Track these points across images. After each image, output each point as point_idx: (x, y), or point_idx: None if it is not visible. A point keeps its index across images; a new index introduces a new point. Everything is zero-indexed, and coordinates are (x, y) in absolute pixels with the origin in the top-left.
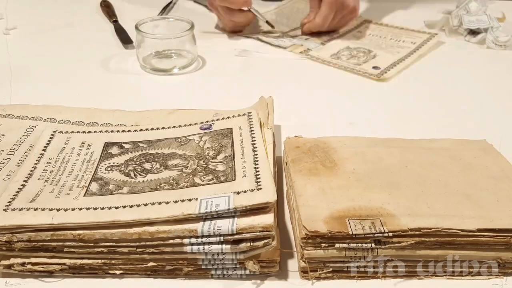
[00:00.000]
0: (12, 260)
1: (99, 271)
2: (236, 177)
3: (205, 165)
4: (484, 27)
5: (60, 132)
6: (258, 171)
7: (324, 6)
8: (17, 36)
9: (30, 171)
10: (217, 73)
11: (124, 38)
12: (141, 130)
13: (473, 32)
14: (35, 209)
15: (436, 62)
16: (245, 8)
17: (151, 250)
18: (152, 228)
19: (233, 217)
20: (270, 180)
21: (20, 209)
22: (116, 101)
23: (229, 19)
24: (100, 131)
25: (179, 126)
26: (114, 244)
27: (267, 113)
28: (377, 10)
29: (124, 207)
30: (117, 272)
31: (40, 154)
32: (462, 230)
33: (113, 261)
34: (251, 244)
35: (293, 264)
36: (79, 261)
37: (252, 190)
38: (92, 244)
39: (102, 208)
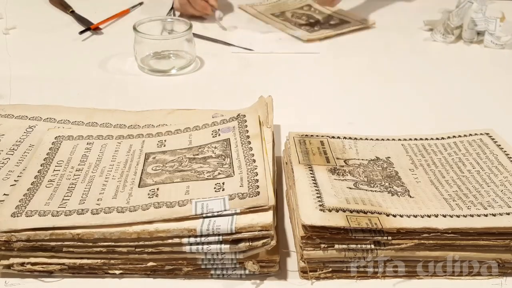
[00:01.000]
0: (12, 260)
1: (99, 271)
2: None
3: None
4: (485, 28)
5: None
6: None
7: None
8: (17, 36)
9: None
10: (215, 73)
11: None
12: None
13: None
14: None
15: (436, 62)
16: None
17: (150, 249)
18: (151, 228)
19: (232, 216)
20: (268, 184)
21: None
22: (114, 102)
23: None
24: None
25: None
26: (113, 243)
27: (266, 112)
28: (377, 9)
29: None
30: (117, 272)
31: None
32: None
33: (112, 261)
34: (250, 243)
35: (293, 264)
36: (78, 261)
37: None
38: (91, 244)
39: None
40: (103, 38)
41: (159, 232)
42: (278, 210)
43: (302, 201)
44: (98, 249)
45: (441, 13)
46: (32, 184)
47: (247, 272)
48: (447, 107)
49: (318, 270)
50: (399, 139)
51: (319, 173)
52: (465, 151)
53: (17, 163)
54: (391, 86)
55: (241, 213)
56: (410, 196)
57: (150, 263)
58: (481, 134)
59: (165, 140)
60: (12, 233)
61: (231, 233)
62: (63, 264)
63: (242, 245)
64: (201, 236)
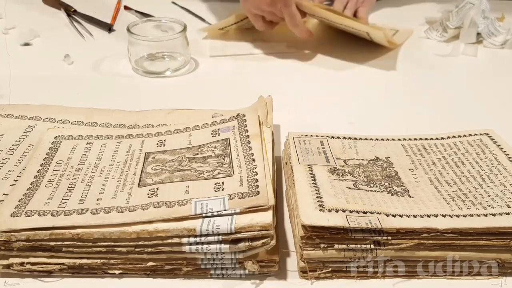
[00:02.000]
0: (11, 260)
1: (98, 271)
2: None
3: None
4: (484, 29)
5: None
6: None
7: None
8: (16, 35)
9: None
10: (211, 74)
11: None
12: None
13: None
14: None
15: (435, 62)
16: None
17: (149, 249)
18: (150, 227)
19: (232, 215)
20: (268, 183)
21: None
22: (111, 104)
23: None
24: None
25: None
26: (112, 243)
27: (266, 112)
28: (376, 7)
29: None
30: (116, 272)
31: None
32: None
33: (112, 261)
34: (250, 243)
35: (293, 264)
36: (78, 261)
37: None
38: (90, 244)
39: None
40: (98, 39)
41: (158, 232)
42: (278, 210)
43: (302, 201)
44: (97, 249)
45: (441, 13)
46: (31, 184)
47: (246, 272)
48: (446, 107)
49: (317, 270)
50: (399, 139)
51: (319, 173)
52: (464, 151)
53: (16, 163)
54: (391, 85)
55: (241, 212)
56: (410, 196)
57: (150, 263)
58: (480, 134)
59: (164, 140)
60: (12, 233)
61: (231, 233)
62: (63, 264)
63: (241, 245)
64: (201, 236)
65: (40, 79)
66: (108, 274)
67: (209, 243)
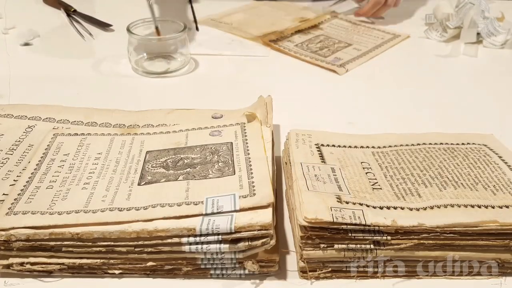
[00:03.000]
0: (11, 260)
1: (98, 271)
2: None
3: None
4: (484, 29)
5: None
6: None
7: None
8: (16, 35)
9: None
10: (211, 74)
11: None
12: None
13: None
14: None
15: (434, 61)
16: None
17: (149, 249)
18: (150, 227)
19: (231, 215)
20: (267, 183)
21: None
22: (111, 104)
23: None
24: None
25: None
26: (112, 243)
27: (265, 112)
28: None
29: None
30: (116, 272)
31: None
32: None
33: (112, 261)
34: (250, 243)
35: (292, 264)
36: (78, 261)
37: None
38: (90, 243)
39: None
40: (98, 39)
41: (158, 232)
42: (277, 210)
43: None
44: (97, 249)
45: (441, 13)
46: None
47: (246, 272)
48: (446, 107)
49: (317, 270)
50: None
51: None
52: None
53: (16, 162)
54: (390, 85)
55: (240, 210)
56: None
57: (150, 263)
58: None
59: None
60: (12, 234)
61: (231, 233)
62: (63, 264)
63: (241, 245)
64: (201, 235)
65: (40, 79)
66: (108, 274)
67: (208, 242)
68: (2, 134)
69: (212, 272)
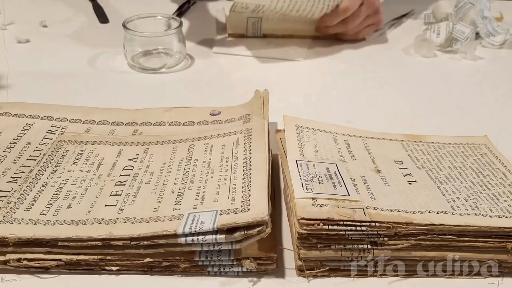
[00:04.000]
0: (8, 256)
1: (95, 267)
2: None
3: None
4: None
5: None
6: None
7: None
8: (14, 31)
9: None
10: (207, 71)
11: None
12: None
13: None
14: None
15: (433, 61)
16: None
17: (145, 243)
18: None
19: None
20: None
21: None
22: (106, 100)
23: None
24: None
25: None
26: (107, 237)
27: (262, 104)
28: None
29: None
30: (114, 268)
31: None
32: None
33: (109, 257)
34: (245, 232)
35: (290, 262)
36: (75, 257)
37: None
38: (86, 238)
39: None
40: (94, 34)
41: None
42: (276, 207)
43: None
44: (93, 243)
45: (440, 13)
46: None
47: (244, 269)
48: (445, 107)
49: (315, 268)
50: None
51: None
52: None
53: (14, 160)
54: (389, 85)
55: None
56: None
57: (147, 259)
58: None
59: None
60: (6, 237)
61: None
62: (60, 260)
63: (237, 234)
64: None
65: (38, 75)
66: (105, 270)
67: (204, 233)
68: (0, 132)
69: (209, 269)
